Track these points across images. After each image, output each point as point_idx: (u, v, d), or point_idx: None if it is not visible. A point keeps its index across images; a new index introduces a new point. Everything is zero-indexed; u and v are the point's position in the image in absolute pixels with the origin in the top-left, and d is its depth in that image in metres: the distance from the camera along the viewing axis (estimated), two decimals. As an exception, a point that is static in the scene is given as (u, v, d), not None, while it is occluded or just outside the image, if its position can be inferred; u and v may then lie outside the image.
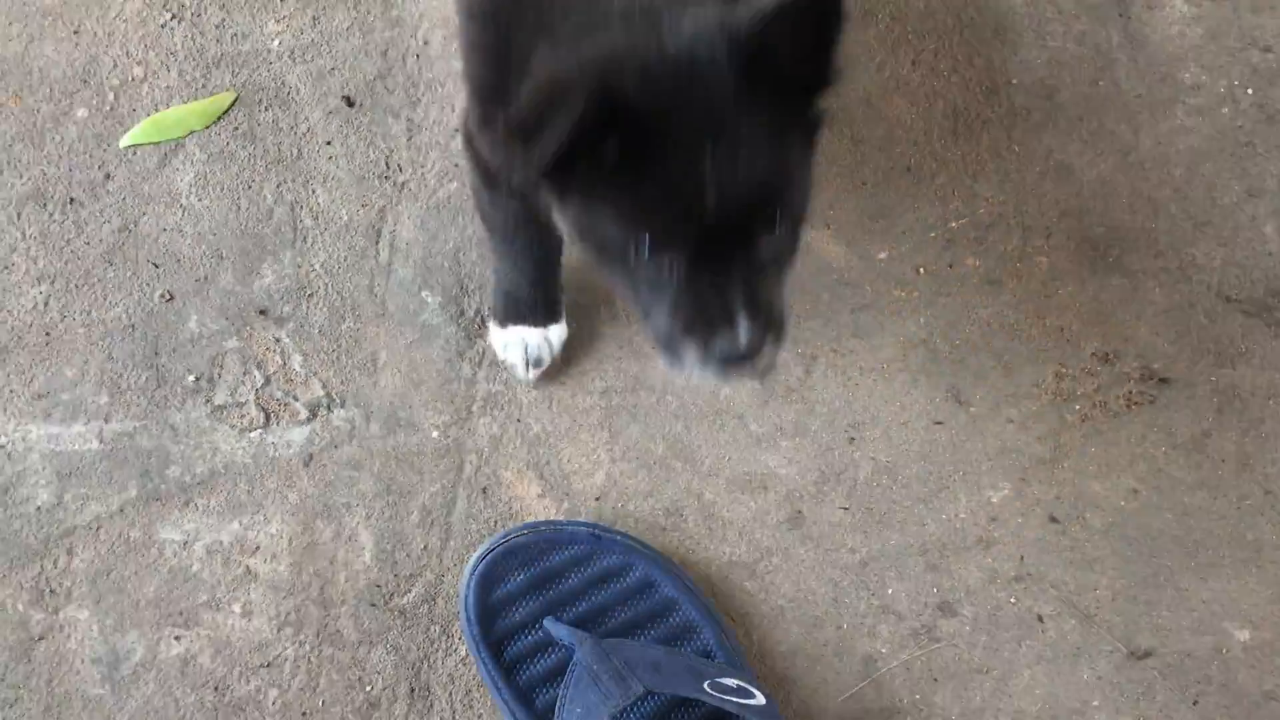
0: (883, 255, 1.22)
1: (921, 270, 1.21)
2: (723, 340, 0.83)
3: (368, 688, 1.09)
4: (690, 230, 0.81)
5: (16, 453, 1.14)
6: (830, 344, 1.19)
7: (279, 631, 1.10)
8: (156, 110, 1.23)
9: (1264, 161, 1.24)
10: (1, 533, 1.11)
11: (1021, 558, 1.14)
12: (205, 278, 1.19)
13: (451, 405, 1.16)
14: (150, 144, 1.22)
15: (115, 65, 1.24)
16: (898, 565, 1.13)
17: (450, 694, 1.08)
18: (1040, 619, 1.12)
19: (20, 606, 1.10)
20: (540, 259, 1.11)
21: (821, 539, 1.14)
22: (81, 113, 1.22)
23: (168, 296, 1.18)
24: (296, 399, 1.16)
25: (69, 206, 1.20)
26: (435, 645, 1.10)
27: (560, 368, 1.17)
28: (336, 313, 1.18)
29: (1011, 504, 1.15)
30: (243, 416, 1.15)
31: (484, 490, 1.14)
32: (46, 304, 1.18)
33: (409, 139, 1.23)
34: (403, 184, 1.22)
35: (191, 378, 1.16)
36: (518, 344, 1.15)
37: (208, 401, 1.16)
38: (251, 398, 1.16)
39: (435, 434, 1.16)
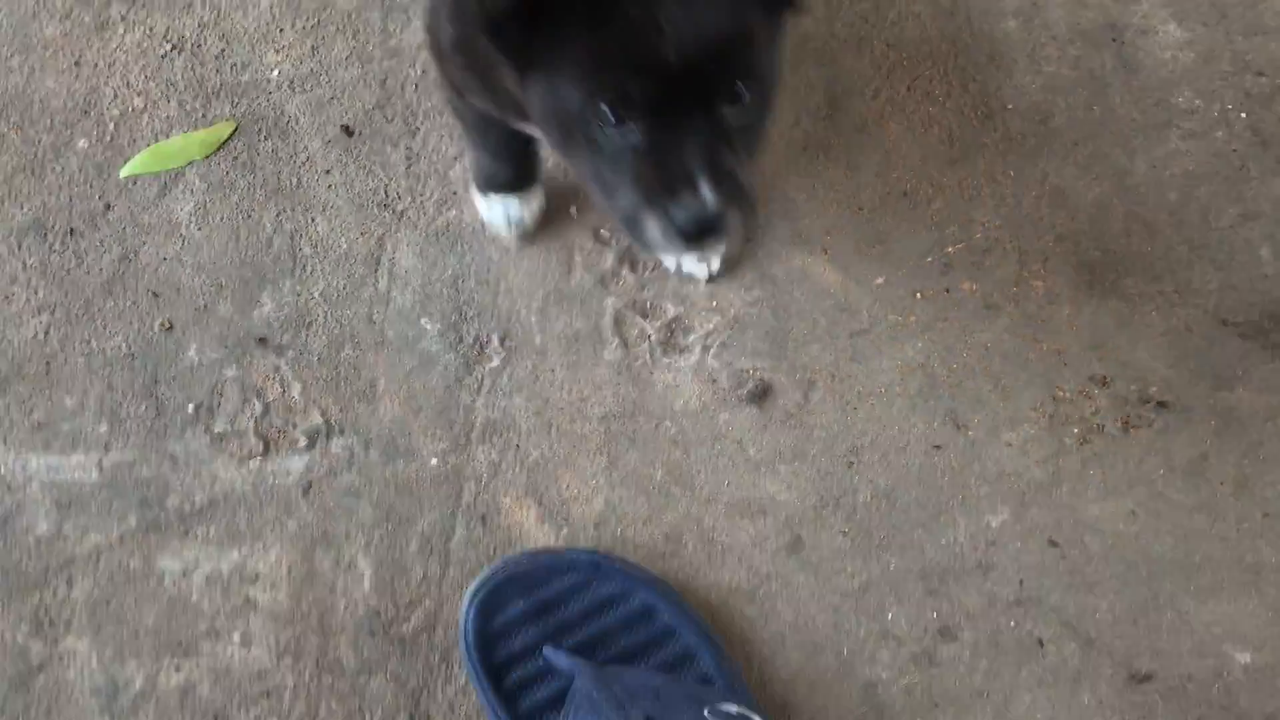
0: (880, 280, 1.22)
1: (919, 295, 1.22)
2: (685, 205, 0.81)
3: (367, 716, 1.08)
4: (649, 88, 0.79)
5: (16, 483, 1.14)
6: (829, 369, 1.19)
7: (278, 660, 1.10)
8: (156, 140, 1.23)
9: (1258, 185, 1.25)
10: (1, 563, 1.11)
11: (1021, 581, 1.14)
12: (205, 307, 1.19)
13: (450, 432, 1.17)
14: (150, 174, 1.22)
15: (115, 96, 1.24)
16: (897, 590, 1.13)
17: (450, 723, 1.08)
18: (1040, 643, 1.12)
19: (19, 637, 1.10)
20: (510, 143, 1.10)
21: (821, 564, 1.14)
22: (82, 143, 1.23)
23: (167, 326, 1.18)
24: (295, 427, 1.16)
25: (69, 237, 1.20)
26: (435, 673, 1.10)
27: (558, 392, 1.17)
28: (335, 341, 1.19)
29: (1011, 528, 1.15)
30: (242, 445, 1.16)
31: (483, 517, 1.14)
32: (47, 334, 1.18)
33: (407, 167, 1.23)
34: (401, 212, 1.22)
35: (191, 407, 1.16)
36: (499, 206, 1.18)
37: (207, 430, 1.16)
38: (251, 426, 1.16)
39: (434, 461, 1.16)
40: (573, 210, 1.23)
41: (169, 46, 1.26)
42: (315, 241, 1.21)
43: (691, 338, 1.20)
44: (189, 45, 1.26)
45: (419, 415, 1.17)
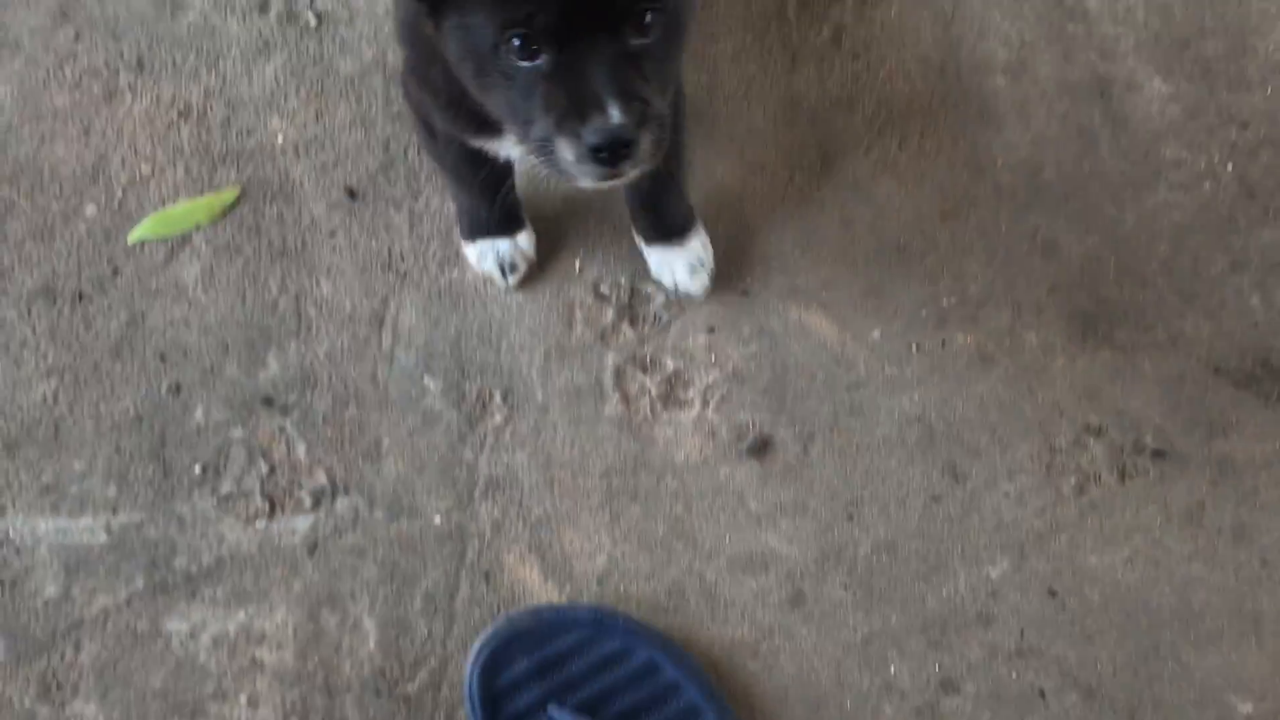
0: (876, 333, 1.24)
1: (915, 347, 1.23)
2: (594, 124, 0.83)
3: (373, 777, 1.09)
4: (553, 17, 0.81)
5: (25, 547, 1.15)
6: (827, 422, 1.21)
7: (285, 721, 1.10)
8: (164, 206, 1.26)
9: (1246, 235, 1.27)
10: (9, 627, 1.12)
11: (1022, 632, 1.15)
12: (211, 369, 1.21)
13: (454, 490, 1.18)
14: (157, 239, 1.25)
15: (124, 163, 1.27)
16: (899, 643, 1.14)
17: (456, 782, 1.09)
18: (1042, 694, 1.13)
19: (27, 701, 1.10)
20: (492, 182, 1.13)
21: (823, 618, 1.15)
22: (90, 210, 1.26)
23: (174, 388, 1.20)
24: (301, 487, 1.18)
25: (78, 301, 1.23)
26: (440, 732, 1.10)
27: (560, 449, 1.19)
28: (340, 400, 1.20)
29: (1010, 578, 1.16)
30: (248, 506, 1.17)
31: (486, 575, 1.15)
32: (55, 398, 1.20)
33: (411, 229, 1.26)
34: (405, 273, 1.25)
35: (198, 468, 1.18)
36: (489, 253, 1.21)
37: (214, 492, 1.17)
38: (257, 487, 1.17)
39: (438, 519, 1.17)
40: (576, 265, 1.25)
41: (176, 114, 1.29)
42: (320, 303, 1.23)
43: (691, 392, 1.22)
44: (195, 112, 1.29)
45: (422, 473, 1.18)
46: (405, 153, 1.28)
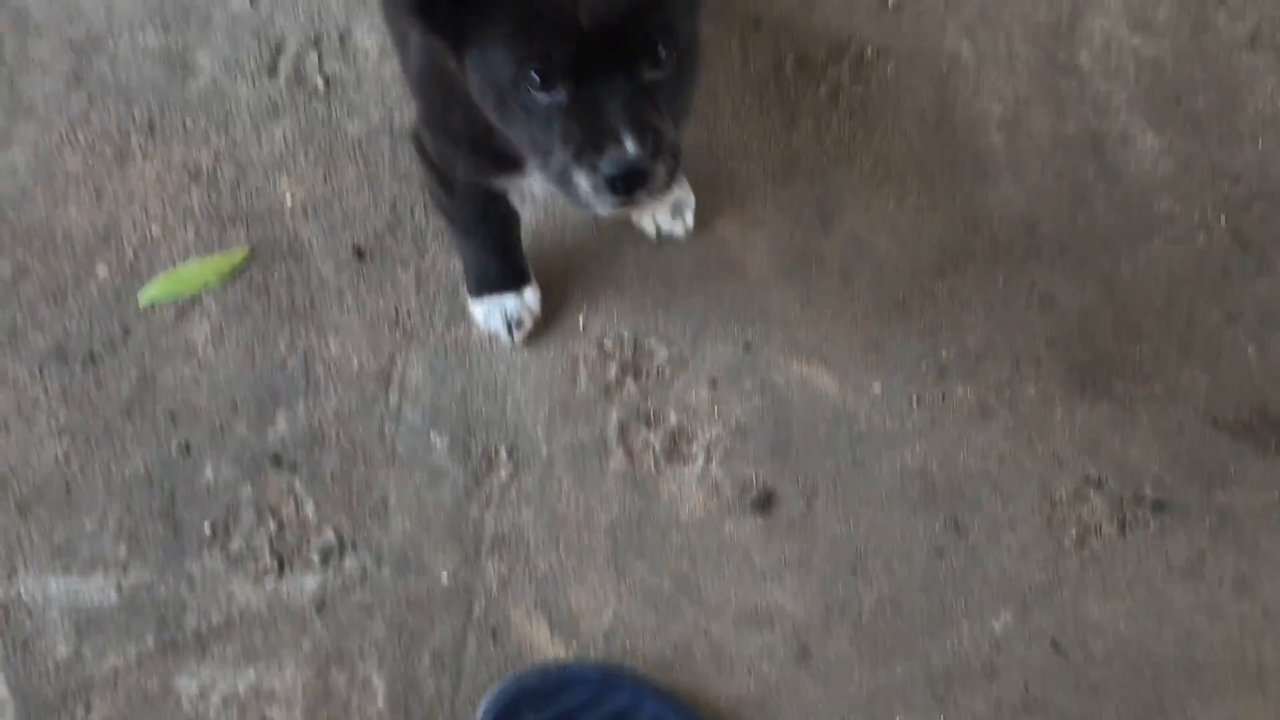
0: (877, 387, 1.25)
1: (915, 400, 1.25)
2: (610, 156, 0.86)
3: (382, 836, 1.09)
4: (570, 51, 0.84)
5: (36, 607, 1.16)
6: (830, 476, 1.22)
7: (294, 781, 1.11)
8: (174, 267, 1.28)
9: (1241, 286, 1.28)
10: (21, 687, 1.13)
11: (1026, 685, 1.15)
12: (221, 428, 1.22)
13: (460, 547, 1.19)
14: (168, 299, 1.27)
15: (135, 224, 1.29)
16: (904, 697, 1.15)
17: (464, 841, 1.09)
18: (1048, 748, 1.13)
19: (38, 762, 1.11)
20: (501, 236, 1.20)
21: (829, 673, 1.15)
22: (102, 271, 1.28)
23: (184, 447, 1.22)
24: (309, 545, 1.19)
25: (89, 362, 1.24)
26: (448, 791, 1.11)
27: (566, 504, 1.20)
28: (348, 458, 1.22)
29: (1014, 632, 1.17)
30: (257, 564, 1.18)
31: (493, 632, 1.16)
32: (67, 457, 1.21)
33: (418, 287, 1.28)
34: (412, 330, 1.26)
35: (208, 526, 1.19)
36: (496, 310, 1.23)
37: (223, 550, 1.18)
38: (266, 545, 1.19)
39: (445, 576, 1.18)
40: (580, 320, 1.27)
41: (186, 176, 1.31)
42: (328, 361, 1.25)
43: (695, 446, 1.23)
44: (206, 174, 1.31)
45: (429, 530, 1.20)
46: (412, 212, 1.30)
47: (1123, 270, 1.29)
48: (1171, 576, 1.19)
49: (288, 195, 1.31)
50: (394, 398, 1.24)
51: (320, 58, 1.35)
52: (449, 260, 1.28)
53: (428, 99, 1.08)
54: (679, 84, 0.91)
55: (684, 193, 1.29)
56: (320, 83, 1.34)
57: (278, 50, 1.35)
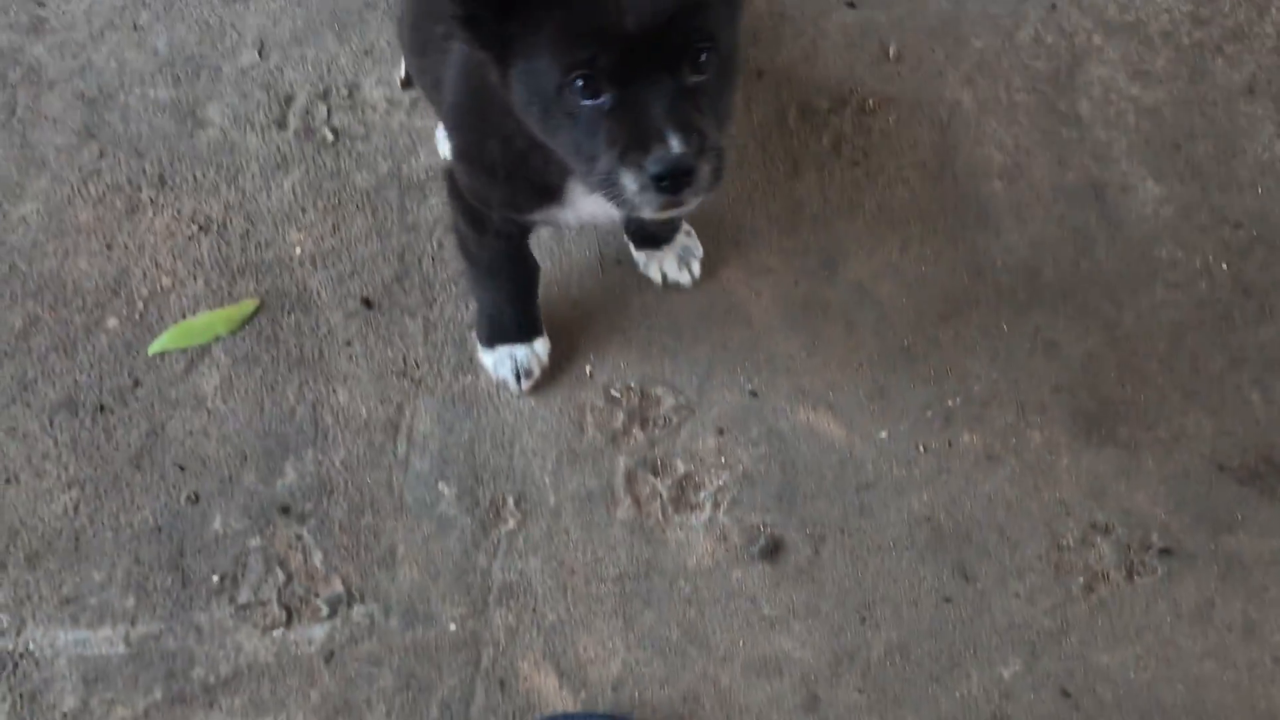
0: (883, 434, 1.26)
1: (922, 447, 1.25)
2: (656, 155, 0.87)
3: None
4: (614, 57, 0.86)
5: (44, 659, 1.16)
6: (838, 523, 1.22)
7: (301, 835, 1.10)
8: (184, 318, 1.29)
9: (1244, 332, 1.29)
10: (28, 741, 1.13)
11: (1037, 734, 1.15)
12: (229, 478, 1.23)
13: (468, 596, 1.19)
14: (178, 350, 1.28)
15: (145, 276, 1.30)
16: (914, 747, 1.14)
17: None
18: (1060, 798, 1.13)
19: (45, 817, 1.10)
20: (521, 285, 1.23)
21: (837, 722, 1.15)
22: (112, 322, 1.29)
23: (193, 498, 1.22)
24: (318, 596, 1.19)
25: (99, 413, 1.25)
26: (457, 845, 1.10)
27: (573, 553, 1.20)
28: (356, 508, 1.22)
29: (1023, 679, 1.17)
30: (265, 615, 1.18)
31: (501, 682, 1.16)
32: (76, 509, 1.21)
33: (425, 337, 1.29)
34: (419, 380, 1.27)
35: (216, 577, 1.19)
36: (506, 360, 1.24)
37: (231, 601, 1.18)
38: (274, 596, 1.19)
39: (453, 626, 1.18)
40: (587, 369, 1.28)
41: (196, 228, 1.33)
42: (336, 411, 1.26)
43: (702, 494, 1.24)
44: (215, 226, 1.33)
45: (437, 580, 1.20)
46: (420, 262, 1.31)
47: (1126, 316, 1.30)
48: (1180, 623, 1.18)
49: (297, 246, 1.32)
50: (402, 447, 1.25)
51: (329, 110, 1.37)
52: (457, 310, 1.29)
53: (464, 130, 1.09)
54: (720, 88, 0.93)
55: (691, 242, 1.30)
56: (329, 135, 1.35)
57: (287, 103, 1.37)
